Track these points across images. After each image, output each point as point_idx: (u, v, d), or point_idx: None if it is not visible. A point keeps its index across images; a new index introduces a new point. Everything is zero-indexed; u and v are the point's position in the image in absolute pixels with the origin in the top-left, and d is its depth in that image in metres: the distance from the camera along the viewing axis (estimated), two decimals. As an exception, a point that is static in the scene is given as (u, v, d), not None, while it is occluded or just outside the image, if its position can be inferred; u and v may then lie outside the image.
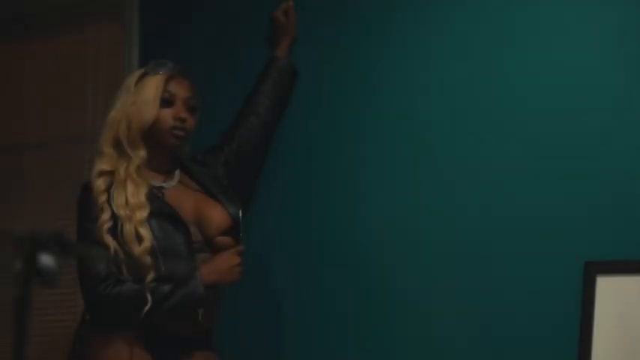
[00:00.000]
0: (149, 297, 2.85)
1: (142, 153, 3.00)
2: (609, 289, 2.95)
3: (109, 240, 2.88)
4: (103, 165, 3.00)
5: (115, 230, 2.90)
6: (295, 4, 3.49)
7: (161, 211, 2.96)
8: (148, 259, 2.86)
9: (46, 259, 1.62)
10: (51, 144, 4.01)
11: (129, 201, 2.92)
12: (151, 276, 2.86)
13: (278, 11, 3.48)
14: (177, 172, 3.12)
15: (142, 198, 2.94)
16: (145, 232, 2.89)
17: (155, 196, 2.99)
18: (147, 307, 2.84)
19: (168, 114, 3.02)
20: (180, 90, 3.06)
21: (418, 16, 3.37)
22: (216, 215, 3.04)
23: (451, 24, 3.31)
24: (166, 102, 3.03)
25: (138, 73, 3.11)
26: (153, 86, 3.02)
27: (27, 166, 4.04)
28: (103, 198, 2.94)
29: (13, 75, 4.14)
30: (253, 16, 3.60)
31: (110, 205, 2.92)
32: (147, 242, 2.88)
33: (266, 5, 3.55)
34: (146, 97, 3.01)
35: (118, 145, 3.02)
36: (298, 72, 3.44)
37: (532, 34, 3.20)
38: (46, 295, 3.81)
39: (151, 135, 3.02)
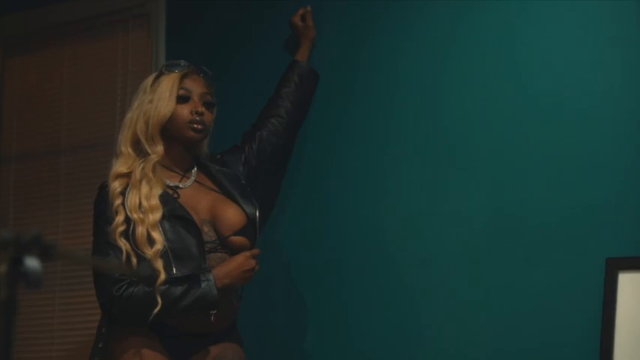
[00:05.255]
0: (160, 299, 2.88)
1: (160, 149, 3.02)
2: (631, 285, 2.92)
3: (123, 242, 2.91)
4: (120, 167, 3.02)
5: (129, 233, 2.92)
6: (313, 8, 3.49)
7: (174, 212, 2.97)
8: (159, 262, 2.89)
9: (31, 261, 1.63)
10: (81, 149, 4.05)
11: (142, 204, 2.94)
12: (162, 278, 2.89)
13: (295, 16, 3.49)
14: (194, 172, 3.13)
15: (155, 200, 2.95)
16: (156, 235, 2.91)
17: (170, 197, 3.01)
18: (157, 310, 2.87)
19: (185, 109, 3.05)
20: (195, 86, 3.09)
21: (436, 18, 3.37)
22: (232, 214, 3.05)
23: (468, 25, 3.31)
24: (183, 98, 3.06)
25: (153, 75, 3.14)
26: (169, 84, 3.05)
27: (59, 170, 4.09)
28: (118, 201, 2.96)
29: (44, 82, 4.19)
30: (277, 20, 3.62)
31: (125, 208, 2.95)
32: (158, 245, 2.90)
33: (290, 9, 3.56)
34: (162, 93, 3.04)
35: (136, 144, 3.05)
36: (319, 75, 3.44)
37: (554, 33, 3.19)
38: (71, 296, 3.88)
39: (170, 131, 3.04)
